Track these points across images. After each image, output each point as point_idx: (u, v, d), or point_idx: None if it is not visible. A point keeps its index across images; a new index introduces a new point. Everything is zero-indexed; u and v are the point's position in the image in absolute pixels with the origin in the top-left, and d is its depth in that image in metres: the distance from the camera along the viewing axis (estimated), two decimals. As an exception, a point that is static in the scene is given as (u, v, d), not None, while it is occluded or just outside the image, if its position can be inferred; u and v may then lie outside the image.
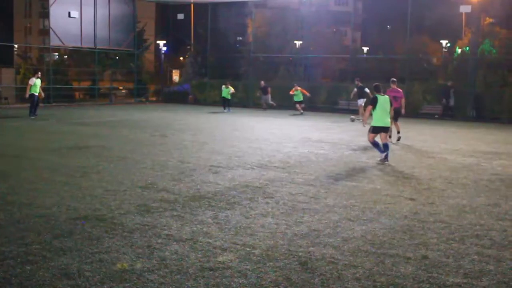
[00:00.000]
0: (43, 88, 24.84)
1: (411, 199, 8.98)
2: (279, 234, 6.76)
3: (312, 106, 31.68)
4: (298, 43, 40.47)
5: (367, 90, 24.55)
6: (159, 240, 6.37)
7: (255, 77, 34.82)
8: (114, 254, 5.84)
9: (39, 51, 52.11)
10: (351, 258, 5.97)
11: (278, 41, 39.16)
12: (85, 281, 5.09)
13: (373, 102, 13.30)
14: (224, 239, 6.48)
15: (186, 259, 5.77)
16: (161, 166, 11.53)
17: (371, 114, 13.37)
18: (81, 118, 24.13)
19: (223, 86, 30.87)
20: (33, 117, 23.18)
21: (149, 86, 42.38)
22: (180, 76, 44.38)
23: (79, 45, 35.98)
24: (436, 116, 28.60)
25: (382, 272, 5.56)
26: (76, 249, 6.00)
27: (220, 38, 41.01)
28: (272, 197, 8.83)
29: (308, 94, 29.35)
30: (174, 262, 5.67)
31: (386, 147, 13.08)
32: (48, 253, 5.83)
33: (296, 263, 5.76)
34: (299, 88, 29.27)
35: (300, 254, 6.04)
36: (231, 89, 30.60)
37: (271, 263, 5.71)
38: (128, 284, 5.05)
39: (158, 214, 7.57)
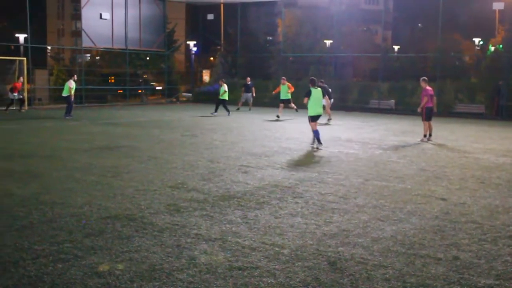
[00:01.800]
0: (76, 89, 25.20)
1: (442, 199, 8.88)
2: (308, 234, 6.74)
3: (342, 105, 31.55)
4: (328, 42, 40.32)
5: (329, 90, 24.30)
6: (189, 240, 6.40)
7: (286, 76, 34.80)
8: (144, 253, 5.89)
9: (72, 52, 52.83)
10: (380, 258, 5.92)
11: (308, 41, 39.12)
12: (115, 279, 5.15)
13: (307, 95, 15.08)
14: (253, 239, 6.48)
15: (215, 258, 5.79)
16: (191, 166, 11.58)
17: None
18: (112, 119, 24.39)
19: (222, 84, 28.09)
20: (68, 118, 23.55)
21: (180, 87, 42.64)
22: (211, 76, 44.58)
23: (110, 46, 36.38)
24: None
25: (412, 273, 5.51)
26: (107, 247, 6.06)
27: (250, 38, 41.10)
28: (302, 197, 8.81)
29: (292, 89, 26.08)
30: (203, 261, 5.69)
31: (318, 133, 15.02)
32: (80, 252, 5.90)
33: (325, 263, 5.74)
34: (287, 83, 26.14)
35: (329, 254, 6.02)
36: (225, 88, 27.51)
37: (300, 263, 5.70)
38: (158, 283, 5.08)
39: (188, 213, 7.61)
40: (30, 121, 22.66)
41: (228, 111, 26.97)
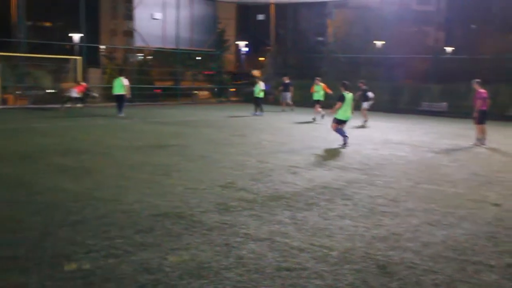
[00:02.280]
0: (128, 88, 25.61)
1: (496, 205, 8.68)
2: (357, 237, 6.69)
3: (393, 107, 31.16)
4: (379, 43, 39.88)
5: (370, 94, 23.60)
6: (237, 239, 6.44)
7: (336, 77, 34.59)
8: (193, 251, 5.95)
9: (124, 51, 53.69)
10: (431, 263, 5.84)
11: (359, 41, 38.68)
12: (164, 276, 5.22)
13: (341, 99, 15.35)
14: (301, 240, 6.47)
15: (263, 258, 5.80)
16: (240, 166, 11.64)
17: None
18: (163, 118, 24.70)
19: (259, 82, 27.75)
20: (121, 115, 24.00)
21: (229, 87, 42.83)
22: (261, 76, 44.64)
23: (162, 46, 36.86)
24: None
25: (463, 280, 5.41)
26: (157, 244, 6.15)
27: (300, 38, 40.94)
28: (351, 199, 8.75)
29: (330, 92, 25.09)
30: (251, 261, 5.71)
31: (341, 132, 15.47)
32: (130, 248, 6.00)
33: (374, 266, 5.69)
34: (321, 83, 25.43)
35: (378, 257, 5.96)
36: (260, 87, 27.29)
37: (348, 266, 5.66)
38: (206, 281, 5.13)
39: (237, 213, 7.65)
40: (84, 119, 23.15)
41: (262, 110, 26.92)
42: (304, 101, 31.15)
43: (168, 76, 42.43)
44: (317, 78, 26.19)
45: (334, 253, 6.03)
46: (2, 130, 18.01)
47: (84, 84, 28.70)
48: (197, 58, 43.67)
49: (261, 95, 27.33)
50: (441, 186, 10.12)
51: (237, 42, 46.59)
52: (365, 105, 23.39)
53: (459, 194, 9.41)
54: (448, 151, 15.03)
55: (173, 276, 5.22)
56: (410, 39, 42.34)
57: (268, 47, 44.45)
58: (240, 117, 25.33)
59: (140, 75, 37.84)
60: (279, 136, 17.63)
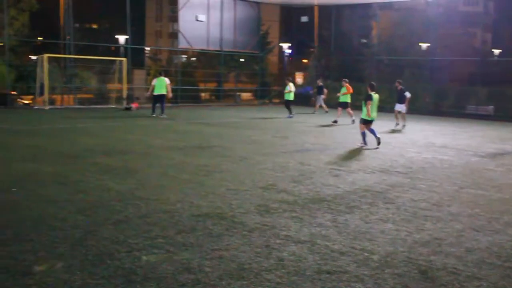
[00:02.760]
0: (171, 89, 25.88)
1: (543, 211, 8.46)
2: (399, 241, 6.60)
3: (437, 110, 30.71)
4: (424, 45, 39.34)
5: (407, 94, 22.77)
6: (278, 241, 6.43)
7: (379, 80, 34.27)
8: (233, 252, 5.96)
9: (168, 53, 54.25)
10: (474, 269, 5.72)
11: (403, 43, 38.26)
12: (204, 276, 5.24)
13: (369, 99, 15.42)
14: (342, 243, 6.43)
15: (304, 260, 5.78)
16: (282, 168, 11.63)
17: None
18: (206, 119, 24.86)
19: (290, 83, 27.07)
20: (163, 116, 24.25)
21: (273, 88, 42.85)
22: (304, 78, 44.54)
23: (205, 47, 37.15)
24: None
25: (509, 287, 5.28)
26: (198, 245, 6.19)
27: (344, 40, 40.69)
28: (393, 203, 8.65)
29: (351, 91, 24.56)
30: (291, 263, 5.70)
31: (373, 132, 15.62)
32: (171, 247, 6.05)
33: (416, 271, 5.60)
34: (347, 84, 24.51)
35: (420, 262, 5.87)
36: (290, 88, 26.46)
37: (389, 270, 5.59)
38: (246, 282, 5.13)
39: (278, 215, 7.64)
40: (127, 119, 23.47)
41: (290, 112, 26.37)
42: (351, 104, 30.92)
43: (211, 78, 42.73)
44: (344, 79, 25.46)
45: (375, 257, 5.97)
46: (48, 130, 18.40)
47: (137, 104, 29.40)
48: (240, 59, 43.83)
49: (291, 97, 26.71)
50: (486, 191, 9.92)
51: (280, 44, 46.53)
52: (398, 107, 22.64)
53: (505, 200, 9.21)
54: (494, 155, 14.73)
55: (213, 277, 5.24)
56: (456, 40, 41.66)
57: (312, 49, 44.30)
58: (283, 119, 25.29)
59: (184, 76, 38.18)
60: (321, 139, 17.56)
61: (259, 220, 7.29)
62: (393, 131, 20.79)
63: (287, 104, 26.72)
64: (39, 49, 36.19)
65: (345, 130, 20.74)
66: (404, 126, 22.26)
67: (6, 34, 30.93)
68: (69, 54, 32.05)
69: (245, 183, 9.86)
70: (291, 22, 46.71)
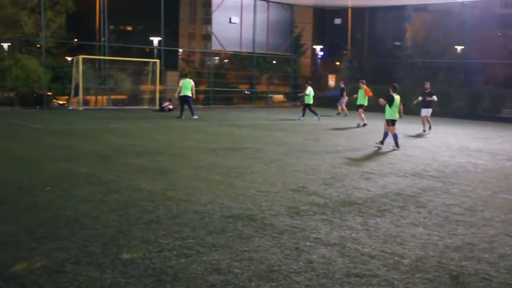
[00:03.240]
0: (203, 91, 26.02)
1: None
2: (430, 245, 6.53)
3: (471, 114, 30.30)
4: (459, 48, 38.86)
5: (435, 98, 21.72)
6: (307, 243, 6.42)
7: (412, 83, 33.95)
8: (263, 254, 5.97)
9: (201, 55, 54.56)
10: (507, 276, 5.63)
11: (437, 46, 37.84)
12: (234, 277, 5.26)
13: (390, 100, 15.83)
14: (372, 247, 6.39)
15: (333, 263, 5.76)
16: (313, 170, 11.60)
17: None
18: (238, 120, 24.94)
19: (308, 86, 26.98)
20: (195, 117, 24.40)
21: (304, 91, 42.77)
22: (336, 81, 44.40)
23: (238, 49, 37.28)
24: None
25: (542, 293, 5.19)
26: (227, 246, 6.21)
27: (377, 42, 40.46)
28: (425, 207, 8.56)
29: (370, 94, 24.31)
30: (321, 265, 5.68)
31: (386, 135, 15.94)
32: (202, 248, 6.09)
33: (447, 276, 5.54)
34: (365, 87, 24.27)
35: (451, 267, 5.80)
36: (307, 91, 26.50)
37: (420, 275, 5.54)
38: (275, 284, 5.14)
39: (308, 217, 7.63)
40: (160, 120, 23.67)
41: (316, 114, 26.29)
42: (381, 107, 30.71)
43: (244, 80, 42.84)
44: (362, 80, 25.31)
45: (405, 261, 5.92)
46: (82, 130, 18.66)
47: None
48: (272, 62, 43.87)
49: (309, 100, 26.54)
50: (521, 196, 9.76)
51: (314, 46, 46.55)
52: (425, 112, 21.72)
53: (540, 205, 9.04)
54: (529, 160, 14.48)
55: (242, 278, 5.25)
56: (492, 43, 41.03)
57: (344, 51, 44.13)
58: (314, 121, 25.21)
59: (216, 78, 38.38)
60: (353, 141, 17.48)
61: (289, 222, 7.29)
62: (419, 135, 20.57)
63: (309, 107, 26.52)
64: (74, 51, 36.74)
65: (378, 133, 20.58)
66: (430, 128, 21.63)
67: (43, 36, 31.48)
68: (104, 55, 32.47)
69: (276, 185, 9.87)
70: (324, 24, 46.61)
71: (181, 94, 25.07)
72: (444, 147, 16.63)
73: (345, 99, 30.44)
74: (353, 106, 26.78)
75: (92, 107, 31.14)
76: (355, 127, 22.73)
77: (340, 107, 30.77)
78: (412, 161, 13.52)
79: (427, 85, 22.09)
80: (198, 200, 8.43)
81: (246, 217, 7.46)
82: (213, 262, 5.67)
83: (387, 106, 16.01)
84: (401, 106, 16.23)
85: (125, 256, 5.72)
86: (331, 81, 48.07)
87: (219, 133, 18.96)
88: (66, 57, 39.32)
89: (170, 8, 39.73)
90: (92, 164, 11.54)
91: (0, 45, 36.11)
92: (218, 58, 49.78)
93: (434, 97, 21.75)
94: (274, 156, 13.53)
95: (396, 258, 6.00)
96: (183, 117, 24.58)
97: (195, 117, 24.54)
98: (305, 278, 5.31)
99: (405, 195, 9.42)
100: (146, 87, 32.54)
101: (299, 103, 38.99)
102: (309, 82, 27.76)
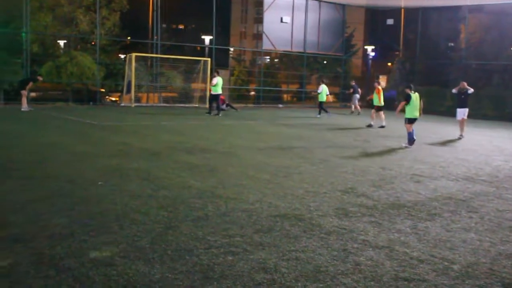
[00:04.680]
0: (253, 89, 26.18)
1: None
2: (482, 251, 6.39)
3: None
4: (515, 50, 37.86)
5: (469, 91, 20.24)
6: (355, 245, 6.36)
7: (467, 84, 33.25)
8: (310, 254, 5.95)
9: (252, 54, 54.73)
10: (562, 285, 5.46)
11: (492, 48, 36.93)
12: (280, 277, 5.26)
13: (408, 99, 16.41)
14: (421, 251, 6.29)
15: (381, 266, 5.69)
16: (362, 172, 11.50)
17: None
18: (287, 120, 24.92)
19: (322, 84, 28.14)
20: (208, 114, 24.91)
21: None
22: (387, 82, 43.92)
23: (289, 49, 37.27)
24: None
25: None
26: (275, 245, 6.21)
27: (430, 43, 39.78)
28: (477, 212, 8.38)
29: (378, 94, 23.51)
30: (368, 268, 5.63)
31: (412, 134, 16.36)
32: (249, 247, 6.11)
33: (499, 284, 5.40)
34: (379, 86, 23.65)
35: (503, 275, 5.66)
36: (319, 89, 27.91)
37: (470, 281, 5.42)
38: (322, 285, 5.11)
39: (356, 219, 7.57)
40: (210, 118, 23.84)
41: (326, 111, 27.66)
42: (433, 109, 30.29)
43: (294, 79, 42.79)
44: (377, 81, 25.03)
45: (455, 267, 5.80)
46: (134, 127, 18.96)
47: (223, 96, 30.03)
48: (323, 62, 43.68)
49: (323, 98, 27.81)
50: None
51: (365, 47, 46.17)
52: (462, 112, 20.36)
53: None
54: None
55: (289, 278, 5.24)
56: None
57: (396, 52, 43.58)
58: (364, 122, 24.97)
59: (266, 77, 38.44)
60: (404, 143, 17.24)
61: (337, 223, 7.25)
62: (453, 139, 20.14)
63: (321, 105, 28.01)
64: (127, 48, 37.43)
65: (428, 134, 20.26)
66: (461, 135, 20.09)
67: (97, 34, 32.12)
68: (156, 53, 32.92)
69: (324, 185, 9.82)
70: (376, 25, 46.12)
71: (213, 92, 25.57)
72: (497, 151, 16.25)
73: (357, 96, 32.00)
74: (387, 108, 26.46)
75: (144, 104, 31.61)
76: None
77: (353, 106, 31.96)
78: (464, 164, 13.25)
79: (464, 84, 20.63)
80: (246, 198, 8.45)
81: (293, 217, 7.45)
82: (260, 260, 5.68)
83: (406, 106, 16.56)
84: (421, 104, 16.80)
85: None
86: (382, 82, 47.54)
87: (268, 132, 18.98)
88: (119, 55, 40.06)
89: (222, 7, 40.04)
90: (143, 160, 11.72)
91: (57, 43, 37.01)
92: (268, 57, 49.84)
93: (470, 90, 20.31)
94: (323, 156, 13.47)
95: (446, 263, 5.89)
96: (212, 115, 25.12)
97: (220, 115, 25.18)
98: (352, 280, 5.26)
99: (456, 199, 9.24)
100: (197, 85, 32.84)
101: (348, 104, 38.69)
102: (324, 81, 29.26)
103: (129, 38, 41.98)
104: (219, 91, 25.58)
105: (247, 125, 21.67)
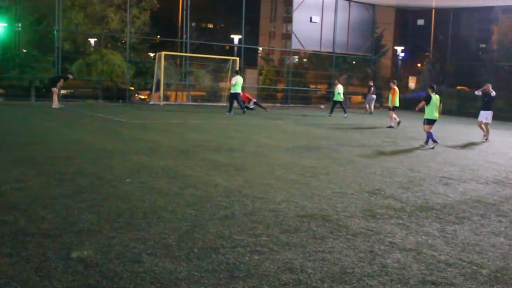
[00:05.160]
0: (281, 89, 26.22)
1: None
2: (511, 256, 6.29)
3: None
4: (549, 52, 37.24)
5: (493, 93, 19.50)
6: (382, 247, 6.32)
7: (497, 87, 32.79)
8: (336, 255, 5.93)
9: (281, 54, 54.69)
10: None
11: (526, 49, 36.38)
12: (306, 277, 5.25)
13: (427, 100, 16.51)
14: (449, 254, 6.22)
15: (408, 269, 5.65)
16: (390, 173, 11.42)
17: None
18: (315, 120, 24.85)
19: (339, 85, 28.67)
20: (228, 113, 25.20)
21: (385, 92, 42.19)
22: (417, 83, 43.52)
23: (318, 49, 37.14)
24: None
25: None
26: (301, 245, 6.20)
27: (461, 45, 39.35)
28: (507, 216, 8.26)
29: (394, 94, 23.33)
30: (395, 270, 5.58)
31: (431, 134, 16.40)
32: (275, 246, 6.10)
33: (529, 289, 5.32)
34: (395, 87, 23.48)
35: (533, 280, 5.57)
36: (338, 89, 28.30)
37: (499, 286, 5.35)
38: (348, 286, 5.08)
39: (383, 220, 7.52)
40: (238, 117, 23.88)
41: (331, 112, 28.60)
42: (464, 111, 29.94)
43: (322, 79, 42.64)
44: (392, 81, 24.91)
45: (484, 271, 5.73)
46: (162, 125, 19.09)
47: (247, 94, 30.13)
48: (352, 62, 43.46)
49: (338, 98, 28.38)
50: None
51: (395, 47, 45.84)
52: (486, 115, 19.60)
53: None
54: None
55: (315, 278, 5.23)
56: None
57: (426, 53, 43.17)
58: (391, 124, 24.75)
59: (295, 77, 38.38)
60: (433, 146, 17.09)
61: (364, 225, 7.21)
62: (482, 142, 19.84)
63: (334, 104, 28.97)
64: (157, 47, 37.66)
65: (459, 136, 20.03)
66: (485, 137, 19.58)
67: (128, 32, 32.41)
68: (185, 52, 33.09)
69: (352, 186, 9.77)
70: (406, 25, 45.72)
71: (232, 91, 25.86)
72: (529, 155, 16.00)
73: (373, 97, 32.68)
74: (407, 108, 26.19)
75: (172, 103, 31.78)
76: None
77: (367, 105, 32.48)
78: (495, 168, 13.08)
79: (489, 86, 19.84)
80: (273, 198, 8.45)
81: (320, 218, 7.43)
82: (286, 260, 5.67)
83: (426, 106, 16.64)
84: (441, 106, 16.80)
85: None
86: (412, 83, 47.11)
87: (295, 132, 18.95)
88: (149, 53, 40.37)
89: (251, 6, 40.00)
90: (171, 158, 11.79)
91: (88, 41, 37.42)
92: (297, 57, 49.74)
93: (493, 94, 19.63)
94: (351, 157, 13.40)
95: (475, 268, 5.82)
96: (231, 113, 25.35)
97: (231, 113, 25.54)
98: (378, 282, 5.23)
99: (485, 203, 9.12)
100: (225, 84, 32.93)
101: (377, 105, 38.47)
102: (339, 80, 30.40)
103: (158, 36, 42.28)
104: (238, 90, 26.03)
105: (275, 124, 21.66)
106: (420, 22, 41.05)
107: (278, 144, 15.27)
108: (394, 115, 23.09)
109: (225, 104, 31.30)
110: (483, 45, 42.28)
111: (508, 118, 30.49)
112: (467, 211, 8.39)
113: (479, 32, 41.29)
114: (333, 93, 29.95)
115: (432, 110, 16.53)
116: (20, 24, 34.39)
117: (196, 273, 5.18)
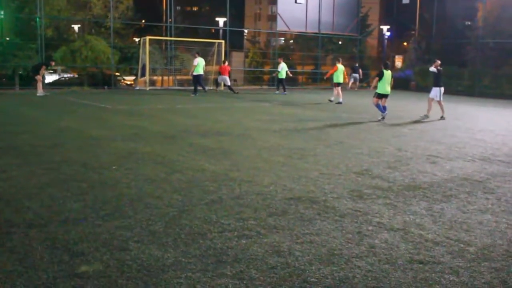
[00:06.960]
0: (268, 71, 26.12)
1: None
2: (498, 233, 6.32)
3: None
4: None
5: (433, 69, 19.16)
6: (370, 227, 6.32)
7: (483, 64, 32.89)
8: (324, 237, 5.92)
9: (267, 36, 54.45)
10: None
11: (510, 26, 36.40)
12: (294, 260, 5.23)
13: (380, 75, 17.92)
14: (437, 233, 6.23)
15: (396, 249, 5.65)
16: (377, 153, 11.42)
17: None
18: (302, 102, 24.81)
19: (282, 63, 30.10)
20: (193, 95, 25.73)
21: (371, 72, 42.21)
22: (403, 62, 43.55)
23: (303, 30, 37.02)
24: None
25: None
26: (288, 228, 6.18)
27: (446, 23, 39.29)
28: (493, 193, 8.29)
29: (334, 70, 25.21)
30: (383, 251, 5.58)
31: (385, 108, 17.84)
32: (262, 230, 6.08)
33: (516, 265, 5.34)
34: (338, 64, 25.49)
35: (520, 256, 5.59)
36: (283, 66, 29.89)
37: (486, 263, 5.36)
38: (336, 268, 5.08)
39: (371, 201, 7.52)
40: (224, 101, 23.81)
41: (284, 90, 30.04)
42: (450, 89, 29.96)
43: (309, 60, 42.56)
44: (337, 59, 26.72)
45: (471, 249, 5.74)
46: (148, 110, 18.99)
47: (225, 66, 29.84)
48: (338, 42, 43.40)
49: (282, 75, 29.73)
50: None
51: (381, 27, 45.78)
52: (437, 93, 19.03)
53: None
54: None
55: (303, 261, 5.22)
56: None
57: (412, 32, 43.15)
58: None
59: (281, 59, 38.28)
60: (419, 125, 17.13)
61: (352, 206, 7.20)
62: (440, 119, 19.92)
63: (281, 81, 30.05)
64: (142, 32, 37.40)
65: (446, 115, 20.08)
66: (427, 116, 18.92)
67: (111, 17, 32.11)
68: (170, 36, 32.85)
69: (339, 167, 9.76)
70: (391, 4, 45.65)
71: (194, 73, 26.11)
72: (515, 131, 16.07)
73: (355, 77, 35.44)
74: (394, 87, 26.22)
75: (159, 88, 31.66)
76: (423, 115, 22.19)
77: (350, 82, 34.72)
78: (481, 145, 13.12)
79: (436, 64, 19.38)
80: (261, 181, 8.43)
81: (308, 200, 7.41)
82: (273, 244, 5.65)
83: (379, 81, 17.90)
84: (392, 82, 18.18)
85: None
86: (398, 62, 47.14)
87: (283, 114, 18.92)
88: (134, 38, 40.07)
89: (236, -11, 39.77)
90: (157, 143, 11.72)
91: (71, 27, 37.05)
92: (283, 38, 49.55)
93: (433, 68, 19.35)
94: (338, 138, 13.39)
95: (462, 246, 5.83)
96: (194, 95, 26.06)
97: (194, 95, 26.11)
98: (366, 263, 5.23)
99: (472, 180, 9.15)
100: (212, 67, 32.77)
101: (365, 85, 38.47)
102: (282, 58, 31.38)
103: (143, 21, 41.95)
104: (201, 72, 26.33)
105: (261, 107, 21.61)
106: (406, 0, 40.97)
107: (265, 126, 15.23)
108: (339, 90, 24.66)
109: (211, 88, 31.20)
110: (469, 23, 42.22)
111: (494, 95, 30.61)
112: (454, 189, 8.41)
113: (464, 10, 41.16)
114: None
115: (385, 85, 17.87)
116: (2, 12, 33.97)
117: (183, 259, 5.15)
